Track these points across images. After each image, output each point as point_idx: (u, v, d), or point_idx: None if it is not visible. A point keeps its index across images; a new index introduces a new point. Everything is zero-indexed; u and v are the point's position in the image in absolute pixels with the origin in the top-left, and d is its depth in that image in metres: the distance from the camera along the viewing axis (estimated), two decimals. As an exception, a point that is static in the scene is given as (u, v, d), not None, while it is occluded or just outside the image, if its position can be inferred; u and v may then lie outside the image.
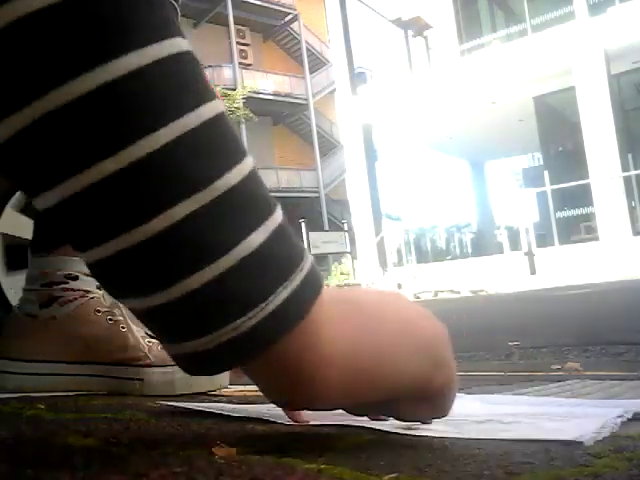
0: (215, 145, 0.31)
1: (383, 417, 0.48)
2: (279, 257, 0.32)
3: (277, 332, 0.32)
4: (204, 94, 0.31)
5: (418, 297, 8.77)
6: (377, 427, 0.51)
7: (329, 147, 23.05)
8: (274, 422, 0.54)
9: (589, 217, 12.08)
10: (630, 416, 0.54)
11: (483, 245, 15.79)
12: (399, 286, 10.98)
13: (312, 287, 0.34)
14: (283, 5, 22.77)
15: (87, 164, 0.29)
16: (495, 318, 4.10)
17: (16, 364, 0.87)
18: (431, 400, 0.43)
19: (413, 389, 0.41)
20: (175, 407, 0.67)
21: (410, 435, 0.49)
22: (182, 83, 0.31)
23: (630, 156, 11.16)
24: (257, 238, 0.31)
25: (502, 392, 0.84)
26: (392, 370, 0.39)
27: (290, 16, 23.03)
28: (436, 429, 0.51)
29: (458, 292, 8.99)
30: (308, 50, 23.30)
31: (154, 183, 0.30)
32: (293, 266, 0.33)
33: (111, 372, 0.87)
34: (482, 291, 8.65)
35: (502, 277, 9.87)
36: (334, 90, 17.30)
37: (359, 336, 0.37)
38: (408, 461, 0.39)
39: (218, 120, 0.32)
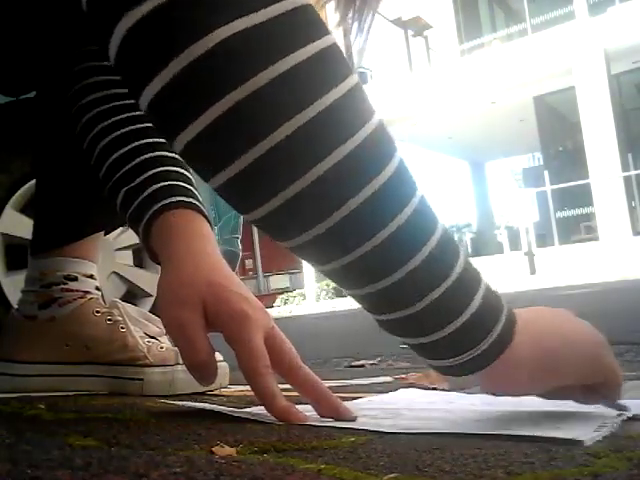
0: None
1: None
2: (495, 306, 0.49)
3: (498, 351, 0.49)
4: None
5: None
6: (376, 428, 0.51)
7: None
8: (274, 422, 0.54)
9: (589, 217, 12.08)
10: (630, 415, 0.54)
11: (483, 245, 15.79)
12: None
13: (511, 320, 0.50)
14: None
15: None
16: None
17: (16, 366, 0.87)
18: (600, 390, 0.55)
19: (577, 383, 0.54)
20: (175, 407, 0.67)
21: (408, 434, 0.49)
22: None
23: (630, 156, 11.16)
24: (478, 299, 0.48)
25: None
26: (558, 370, 0.52)
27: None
28: (435, 426, 0.51)
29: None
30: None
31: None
32: (501, 307, 0.50)
33: (111, 372, 0.87)
34: (482, 291, 8.63)
35: (502, 277, 9.87)
36: (334, 90, 17.25)
37: (536, 349, 0.51)
38: (408, 461, 0.39)
39: None
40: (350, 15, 0.69)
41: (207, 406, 0.65)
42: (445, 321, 0.47)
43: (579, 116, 11.40)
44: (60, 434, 0.44)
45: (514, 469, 0.37)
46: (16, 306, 0.92)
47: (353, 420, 0.55)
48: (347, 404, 0.68)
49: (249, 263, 18.14)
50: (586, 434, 0.46)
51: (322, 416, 0.57)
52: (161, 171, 0.68)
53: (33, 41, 0.73)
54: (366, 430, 0.50)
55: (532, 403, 0.56)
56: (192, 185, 0.70)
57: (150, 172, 0.68)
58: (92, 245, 0.90)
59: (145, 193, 0.66)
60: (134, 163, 0.69)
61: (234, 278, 0.60)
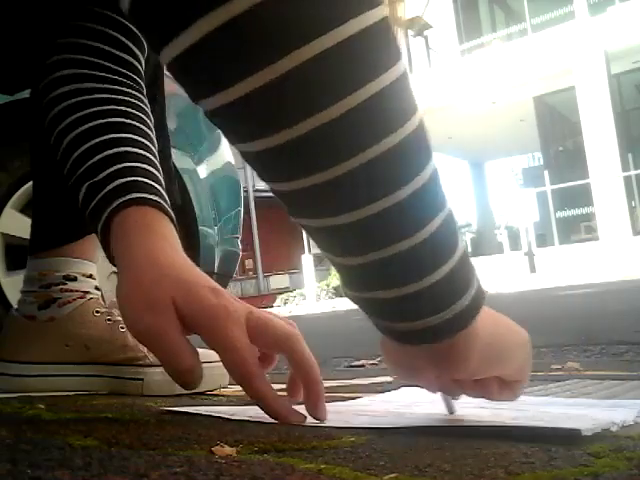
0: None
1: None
2: (466, 276, 0.46)
3: (469, 319, 0.46)
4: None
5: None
6: (376, 426, 0.51)
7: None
8: (274, 422, 0.54)
9: (589, 217, 12.09)
10: (632, 421, 0.54)
11: (483, 245, 15.81)
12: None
13: (482, 291, 0.48)
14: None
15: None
16: (495, 318, 4.09)
17: (15, 366, 0.87)
18: (512, 386, 0.54)
19: (510, 374, 0.53)
20: (175, 407, 0.67)
21: (408, 433, 0.49)
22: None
23: (630, 156, 11.16)
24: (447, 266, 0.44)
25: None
26: (502, 360, 0.52)
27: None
28: (435, 425, 0.51)
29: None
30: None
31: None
32: (472, 278, 0.46)
33: (111, 372, 0.87)
34: (482, 291, 8.63)
35: (502, 277, 9.87)
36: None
37: (488, 336, 0.49)
38: (408, 461, 0.39)
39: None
40: None
41: (207, 409, 0.65)
42: (428, 269, 0.43)
43: (579, 116, 11.40)
44: (60, 434, 0.44)
45: (514, 469, 0.37)
46: (16, 306, 0.92)
47: (302, 419, 0.54)
48: (347, 404, 0.68)
49: (249, 263, 18.14)
50: (584, 424, 0.46)
51: (293, 396, 0.57)
52: (126, 167, 0.64)
53: (26, 37, 0.73)
54: (366, 428, 0.50)
55: (532, 402, 0.57)
56: (159, 183, 0.66)
57: (114, 167, 0.64)
58: (91, 245, 0.90)
59: (106, 189, 0.62)
60: (98, 157, 0.65)
61: (201, 273, 0.57)
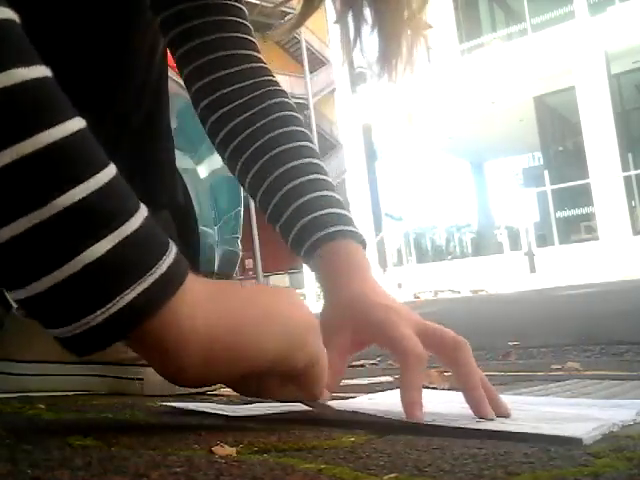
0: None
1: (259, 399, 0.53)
2: (129, 262, 0.36)
3: (143, 315, 0.37)
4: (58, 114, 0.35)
5: (418, 297, 8.76)
6: (378, 425, 0.51)
7: (329, 147, 23.05)
8: (273, 422, 0.54)
9: (589, 217, 12.09)
10: (631, 423, 0.53)
11: (483, 245, 15.79)
12: (399, 286, 10.98)
13: (172, 279, 0.38)
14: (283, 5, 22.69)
15: None
16: (495, 318, 4.10)
17: (16, 365, 0.87)
18: (298, 381, 0.49)
19: (273, 367, 0.45)
20: (175, 407, 0.67)
21: (407, 433, 0.49)
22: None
23: (630, 156, 11.16)
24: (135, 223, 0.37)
25: (502, 392, 0.84)
26: (251, 348, 0.43)
27: (290, 15, 22.94)
28: (435, 424, 0.51)
29: (458, 292, 8.99)
30: (308, 50, 23.29)
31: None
32: (146, 266, 0.37)
33: (111, 372, 0.87)
34: (482, 291, 8.65)
35: (502, 277, 9.87)
36: (334, 90, 17.30)
37: (222, 317, 0.41)
38: (408, 461, 0.39)
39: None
40: (350, 12, 0.69)
41: (207, 406, 0.64)
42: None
43: (579, 116, 11.41)
44: (60, 434, 0.44)
45: (514, 469, 0.37)
46: (16, 305, 0.92)
47: (493, 419, 0.54)
48: (348, 402, 0.68)
49: (249, 263, 18.15)
50: (586, 432, 0.46)
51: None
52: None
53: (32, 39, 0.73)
54: (367, 430, 0.50)
55: (532, 402, 0.56)
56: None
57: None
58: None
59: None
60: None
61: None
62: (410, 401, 0.54)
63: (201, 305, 0.41)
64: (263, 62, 0.78)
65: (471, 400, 0.55)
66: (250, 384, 0.48)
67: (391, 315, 0.58)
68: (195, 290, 0.40)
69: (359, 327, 0.60)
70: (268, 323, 0.44)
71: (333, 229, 0.67)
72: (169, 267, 0.38)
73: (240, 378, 0.45)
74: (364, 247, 0.68)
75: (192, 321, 0.40)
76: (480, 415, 0.54)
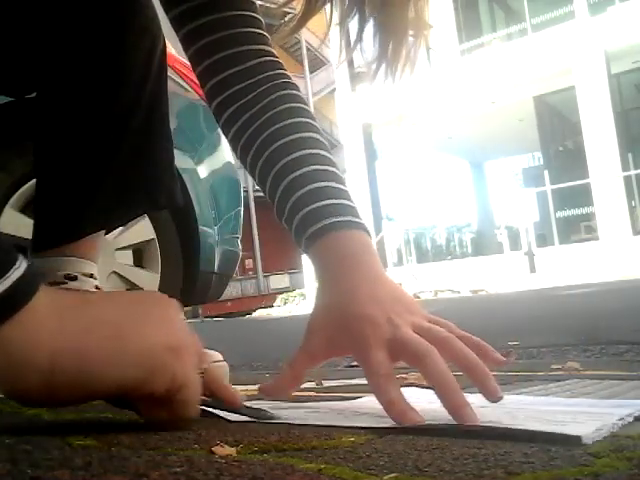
0: None
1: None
2: None
3: None
4: None
5: (418, 297, 8.76)
6: (377, 425, 0.51)
7: (329, 147, 23.01)
8: (274, 422, 0.54)
9: (589, 217, 12.08)
10: (631, 419, 0.54)
11: (483, 245, 15.79)
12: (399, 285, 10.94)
13: (8, 302, 0.37)
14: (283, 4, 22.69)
15: None
16: (495, 318, 4.10)
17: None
18: (165, 403, 0.46)
19: (127, 392, 0.43)
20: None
21: (408, 433, 0.49)
22: None
23: (630, 156, 11.16)
24: None
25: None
26: (94, 375, 0.41)
27: (290, 15, 22.95)
28: (434, 424, 0.51)
29: (458, 292, 8.99)
30: (308, 49, 23.28)
31: None
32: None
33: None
34: (482, 291, 8.65)
35: (502, 277, 9.87)
36: (334, 90, 17.29)
37: (66, 340, 0.39)
38: (408, 461, 0.39)
39: None
40: (350, 16, 0.69)
41: (207, 406, 0.64)
42: None
43: (579, 116, 11.40)
44: (60, 434, 0.44)
45: (514, 469, 0.37)
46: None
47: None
48: (349, 403, 0.68)
49: (249, 263, 18.14)
50: (586, 432, 0.46)
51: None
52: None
53: (32, 40, 0.73)
54: (367, 430, 0.50)
55: (532, 402, 0.56)
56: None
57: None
58: (92, 244, 0.90)
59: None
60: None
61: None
62: (400, 411, 0.53)
63: (46, 326, 0.39)
64: (274, 55, 0.78)
65: (444, 403, 0.55)
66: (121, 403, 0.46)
67: (365, 330, 0.56)
68: (41, 311, 0.39)
69: (334, 335, 0.59)
70: (117, 346, 0.41)
71: (324, 222, 0.64)
72: (5, 290, 0.37)
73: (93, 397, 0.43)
74: (367, 233, 0.67)
75: (36, 344, 0.38)
76: (460, 421, 0.53)
